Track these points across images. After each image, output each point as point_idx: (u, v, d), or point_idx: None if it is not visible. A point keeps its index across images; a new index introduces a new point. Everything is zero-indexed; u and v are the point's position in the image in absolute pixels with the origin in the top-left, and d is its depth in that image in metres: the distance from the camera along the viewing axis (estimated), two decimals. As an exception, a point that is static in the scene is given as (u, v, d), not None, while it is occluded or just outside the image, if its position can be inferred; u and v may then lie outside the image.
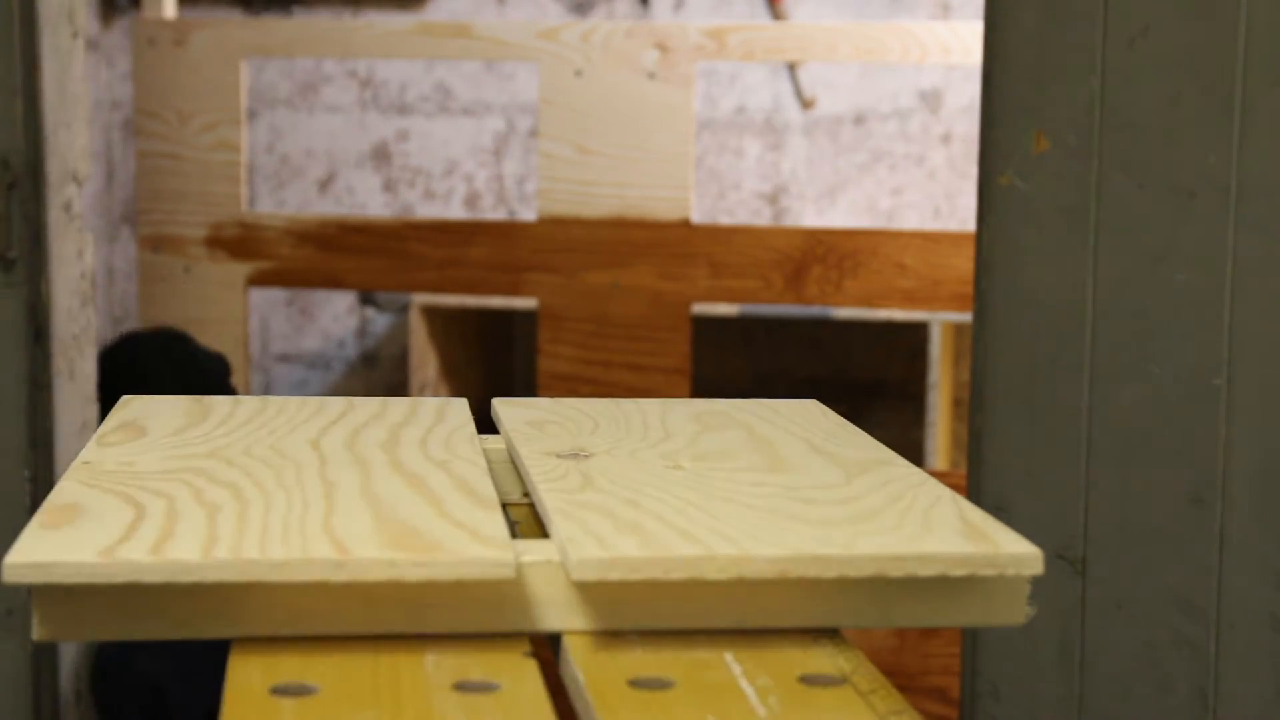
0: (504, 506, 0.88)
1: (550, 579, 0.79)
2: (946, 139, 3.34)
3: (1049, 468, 1.52)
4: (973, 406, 1.56)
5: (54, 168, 1.93)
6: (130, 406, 1.08)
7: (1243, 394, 1.45)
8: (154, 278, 2.71)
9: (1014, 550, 0.80)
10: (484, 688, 0.73)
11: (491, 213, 3.66)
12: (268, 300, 3.81)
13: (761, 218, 3.46)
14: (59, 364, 1.96)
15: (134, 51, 2.72)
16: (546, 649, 0.81)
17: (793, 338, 3.67)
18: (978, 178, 1.55)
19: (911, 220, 3.36)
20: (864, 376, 3.45)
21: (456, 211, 3.65)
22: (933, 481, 0.93)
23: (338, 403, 1.10)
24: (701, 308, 2.57)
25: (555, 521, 0.83)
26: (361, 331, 3.79)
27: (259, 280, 2.72)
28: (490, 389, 3.68)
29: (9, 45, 1.83)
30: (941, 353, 2.71)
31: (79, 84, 2.00)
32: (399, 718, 0.69)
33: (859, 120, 3.37)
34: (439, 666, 0.75)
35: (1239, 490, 1.45)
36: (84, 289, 2.04)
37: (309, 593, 0.78)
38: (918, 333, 3.22)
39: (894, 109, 3.36)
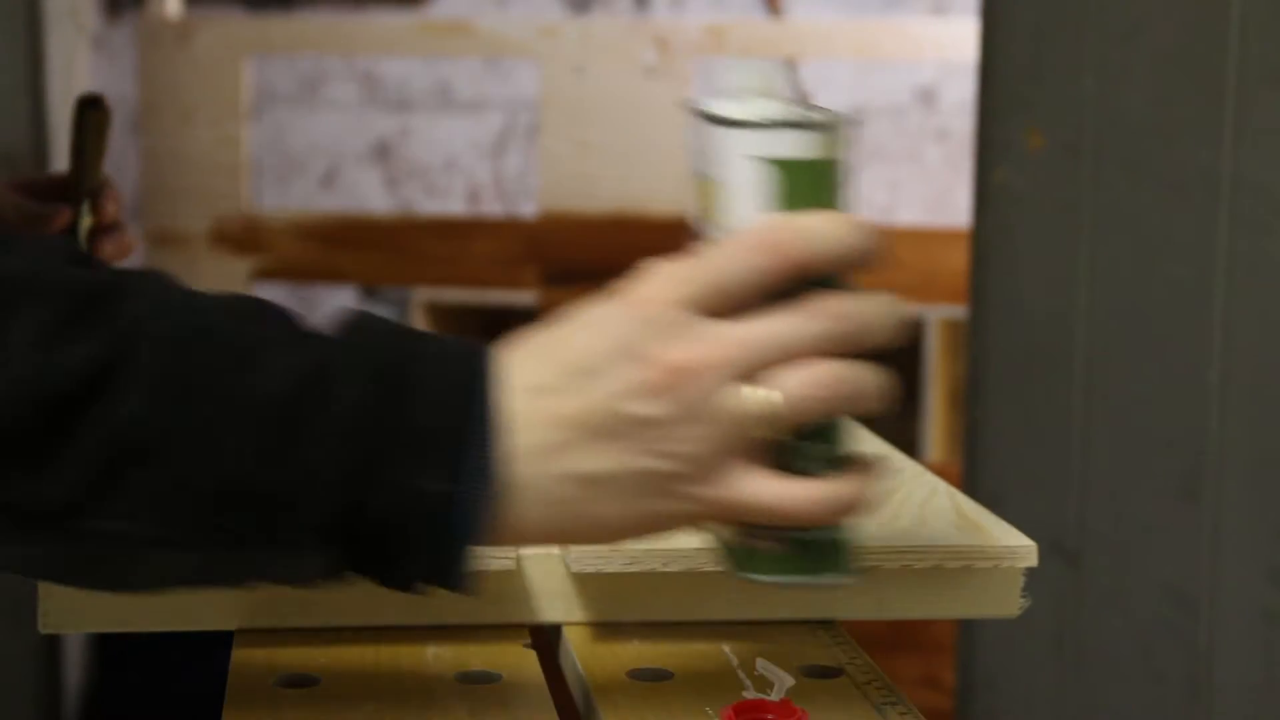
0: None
1: (550, 571, 0.80)
2: (942, 135, 3.34)
3: (1043, 461, 1.53)
4: (968, 400, 1.57)
5: (58, 163, 1.94)
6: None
7: (1235, 388, 1.45)
8: (156, 273, 2.71)
9: (1009, 542, 0.81)
10: (485, 678, 0.74)
11: (492, 208, 3.67)
12: (270, 296, 3.79)
13: (761, 213, 3.46)
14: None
15: (139, 49, 2.73)
16: (546, 640, 0.81)
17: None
18: (973, 174, 1.56)
19: (907, 216, 3.36)
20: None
21: (457, 207, 3.66)
22: (928, 474, 0.93)
23: (340, 398, 1.11)
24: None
25: (555, 515, 0.83)
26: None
27: (262, 276, 2.73)
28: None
29: (14, 42, 1.84)
30: (937, 347, 2.72)
31: (83, 81, 2.01)
32: (400, 708, 0.70)
33: (855, 116, 3.38)
34: (440, 658, 0.76)
35: (1231, 483, 1.46)
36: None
37: (312, 585, 0.79)
38: (913, 327, 3.23)
39: (890, 106, 3.36)
